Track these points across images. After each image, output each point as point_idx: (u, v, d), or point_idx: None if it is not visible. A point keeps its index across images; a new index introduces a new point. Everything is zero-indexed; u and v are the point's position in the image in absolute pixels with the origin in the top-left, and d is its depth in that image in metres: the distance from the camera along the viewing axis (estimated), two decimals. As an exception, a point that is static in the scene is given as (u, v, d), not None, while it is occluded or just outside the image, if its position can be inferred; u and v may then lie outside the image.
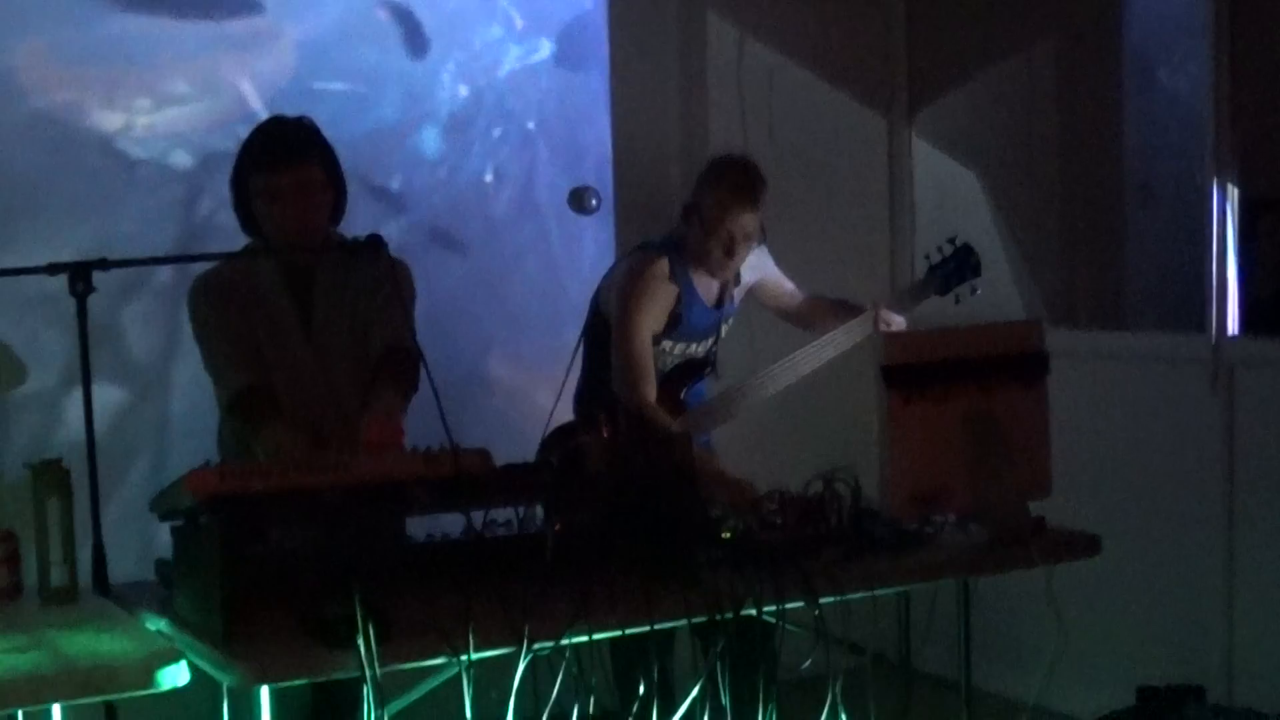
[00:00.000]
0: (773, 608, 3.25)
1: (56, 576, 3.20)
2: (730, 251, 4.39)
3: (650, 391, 4.35)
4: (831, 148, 6.13)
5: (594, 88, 5.71)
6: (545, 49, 5.64)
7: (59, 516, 3.21)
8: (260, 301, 3.89)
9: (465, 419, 3.60)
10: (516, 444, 3.43)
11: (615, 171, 5.72)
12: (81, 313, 3.31)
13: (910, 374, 3.57)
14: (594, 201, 5.54)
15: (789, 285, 4.77)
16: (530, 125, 5.63)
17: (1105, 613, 5.25)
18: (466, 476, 3.21)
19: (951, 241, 4.66)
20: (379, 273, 3.84)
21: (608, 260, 5.45)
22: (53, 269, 3.35)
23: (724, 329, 4.64)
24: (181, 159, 5.05)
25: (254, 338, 3.87)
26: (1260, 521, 4.97)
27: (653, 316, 4.40)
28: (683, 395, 4.51)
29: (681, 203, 4.57)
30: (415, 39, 5.40)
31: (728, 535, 3.47)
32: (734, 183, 4.40)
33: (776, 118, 5.96)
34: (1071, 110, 6.30)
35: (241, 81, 5.08)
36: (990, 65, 6.22)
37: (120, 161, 4.97)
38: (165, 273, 4.88)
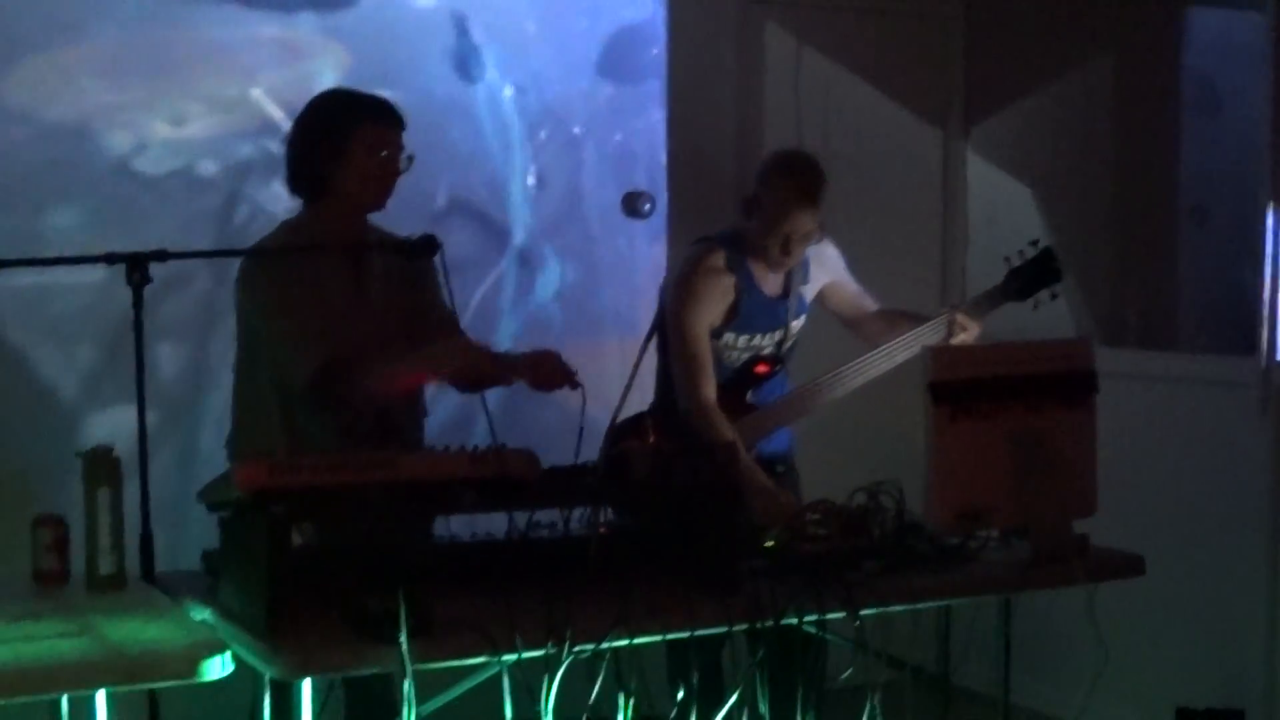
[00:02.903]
0: (813, 617, 3.26)
1: (104, 564, 3.21)
2: (787, 250, 4.29)
3: (708, 389, 4.27)
4: (886, 160, 6.14)
5: (646, 95, 5.73)
6: (598, 56, 5.65)
7: (108, 504, 3.22)
8: (318, 279, 3.78)
9: (508, 423, 3.62)
10: (559, 449, 3.44)
11: (670, 177, 5.73)
12: (138, 304, 3.32)
13: (957, 390, 3.55)
14: (647, 206, 5.53)
15: (861, 293, 4.63)
16: (576, 130, 5.64)
17: (1146, 633, 5.23)
18: (511, 477, 3.22)
19: (1034, 244, 4.45)
20: (425, 266, 3.84)
21: (660, 266, 5.46)
22: (110, 259, 3.36)
23: (795, 326, 4.50)
24: (209, 168, 5.04)
25: (318, 312, 3.73)
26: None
27: (709, 309, 4.32)
28: (749, 396, 4.44)
29: (741, 197, 4.51)
30: (464, 45, 5.42)
31: (770, 544, 3.47)
32: (795, 181, 4.28)
33: (832, 128, 5.97)
34: (1128, 130, 6.28)
35: (296, 84, 5.03)
36: (1047, 83, 6.21)
37: (145, 174, 4.97)
38: (203, 278, 4.93)
